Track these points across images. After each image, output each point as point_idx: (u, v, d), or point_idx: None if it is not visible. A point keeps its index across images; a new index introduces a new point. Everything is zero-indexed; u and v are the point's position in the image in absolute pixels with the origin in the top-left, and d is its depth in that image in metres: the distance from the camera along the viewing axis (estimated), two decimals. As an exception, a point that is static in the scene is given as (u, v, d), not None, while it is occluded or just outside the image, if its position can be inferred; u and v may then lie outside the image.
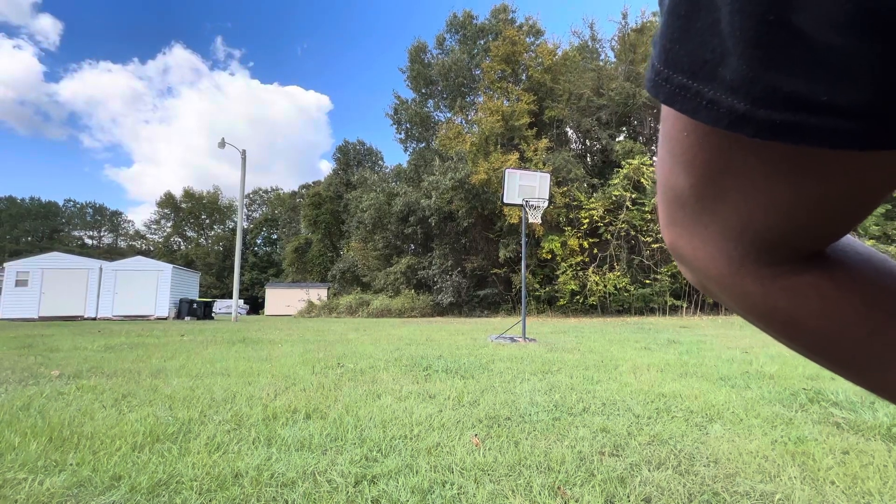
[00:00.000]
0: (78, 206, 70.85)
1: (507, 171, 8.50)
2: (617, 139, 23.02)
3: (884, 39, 0.14)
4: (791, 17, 0.15)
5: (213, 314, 22.23)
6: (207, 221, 66.98)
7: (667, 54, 0.19)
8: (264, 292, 36.05)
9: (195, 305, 20.48)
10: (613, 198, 19.55)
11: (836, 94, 0.16)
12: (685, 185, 0.23)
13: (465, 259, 22.98)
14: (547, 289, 20.50)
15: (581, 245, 19.69)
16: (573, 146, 25.28)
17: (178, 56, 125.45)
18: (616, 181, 19.61)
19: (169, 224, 66.92)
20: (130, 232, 71.09)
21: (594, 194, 20.82)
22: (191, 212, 65.57)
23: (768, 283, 0.25)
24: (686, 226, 0.26)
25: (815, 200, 0.21)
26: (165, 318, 19.41)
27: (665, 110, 0.22)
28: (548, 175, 8.75)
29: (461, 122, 25.29)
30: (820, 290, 0.25)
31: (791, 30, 0.16)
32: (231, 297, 30.33)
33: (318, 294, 29.05)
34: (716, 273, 0.27)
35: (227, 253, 60.57)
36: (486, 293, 22.28)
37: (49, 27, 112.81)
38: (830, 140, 0.17)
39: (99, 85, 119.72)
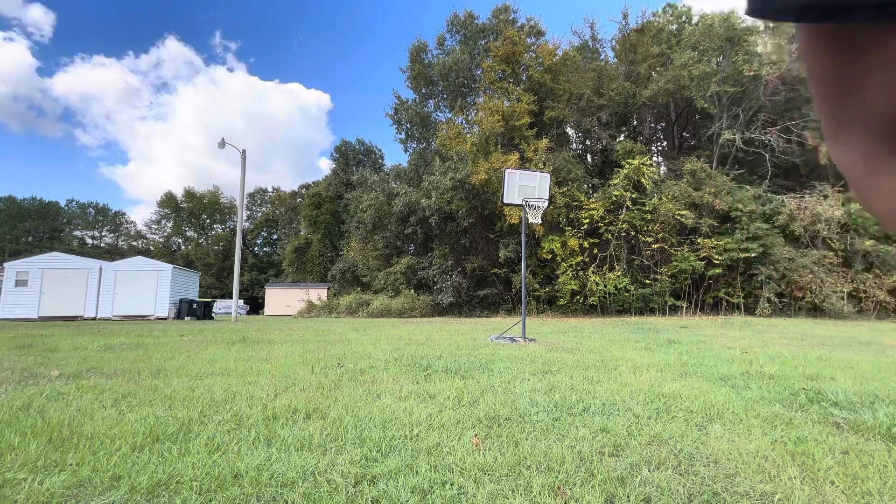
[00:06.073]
0: (80, 205, 70.91)
1: (506, 171, 8.49)
2: (617, 139, 23.02)
3: None
4: None
5: (212, 314, 22.23)
6: (207, 221, 66.96)
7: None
8: (264, 292, 36.07)
9: (195, 305, 20.48)
10: (613, 198, 19.54)
11: None
12: (819, 95, 0.29)
13: (465, 259, 22.96)
14: (547, 289, 20.50)
15: (581, 245, 19.68)
16: (573, 146, 25.28)
17: (172, 49, 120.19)
18: (616, 181, 19.61)
19: (169, 224, 66.91)
20: (131, 232, 71.03)
21: (594, 194, 20.82)
22: (191, 212, 65.52)
23: None
24: (830, 132, 0.30)
25: None
26: (165, 319, 19.40)
27: (805, 53, 0.29)
28: (548, 175, 8.74)
29: (461, 122, 25.25)
30: None
31: None
32: (231, 298, 30.37)
33: (318, 294, 29.04)
34: (856, 177, 0.30)
35: (226, 253, 60.55)
36: (486, 293, 22.25)
37: (41, 18, 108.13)
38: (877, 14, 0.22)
39: (93, 80, 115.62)
